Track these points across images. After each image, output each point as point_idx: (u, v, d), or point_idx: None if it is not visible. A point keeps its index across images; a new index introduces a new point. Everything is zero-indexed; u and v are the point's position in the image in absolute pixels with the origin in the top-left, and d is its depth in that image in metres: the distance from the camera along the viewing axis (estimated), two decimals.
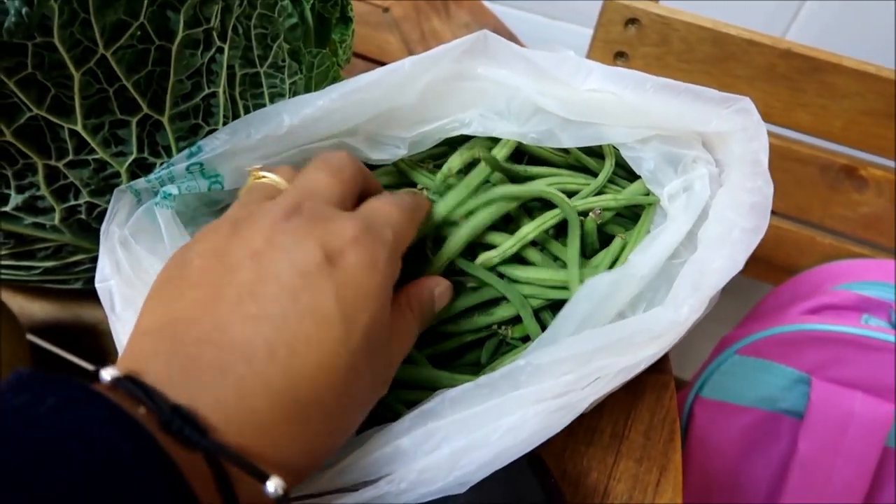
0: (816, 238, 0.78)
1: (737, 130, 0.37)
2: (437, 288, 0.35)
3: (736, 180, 0.37)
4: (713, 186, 0.38)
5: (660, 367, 0.48)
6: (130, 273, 0.33)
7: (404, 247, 0.31)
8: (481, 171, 0.38)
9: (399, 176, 0.41)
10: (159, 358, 0.23)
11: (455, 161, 0.39)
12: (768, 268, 0.82)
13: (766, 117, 0.69)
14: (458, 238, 0.37)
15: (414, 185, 0.41)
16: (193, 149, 0.34)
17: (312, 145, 0.36)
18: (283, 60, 0.38)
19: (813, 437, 0.66)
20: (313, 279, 0.25)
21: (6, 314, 0.41)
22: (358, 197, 0.32)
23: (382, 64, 0.36)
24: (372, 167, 0.40)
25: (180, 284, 0.26)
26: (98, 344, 0.47)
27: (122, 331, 0.32)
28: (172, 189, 0.34)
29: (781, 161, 0.72)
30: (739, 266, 0.34)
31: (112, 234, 0.33)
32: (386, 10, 0.75)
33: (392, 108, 0.36)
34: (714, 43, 0.64)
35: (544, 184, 0.40)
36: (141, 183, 0.34)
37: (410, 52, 0.72)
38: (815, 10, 0.80)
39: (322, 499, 0.31)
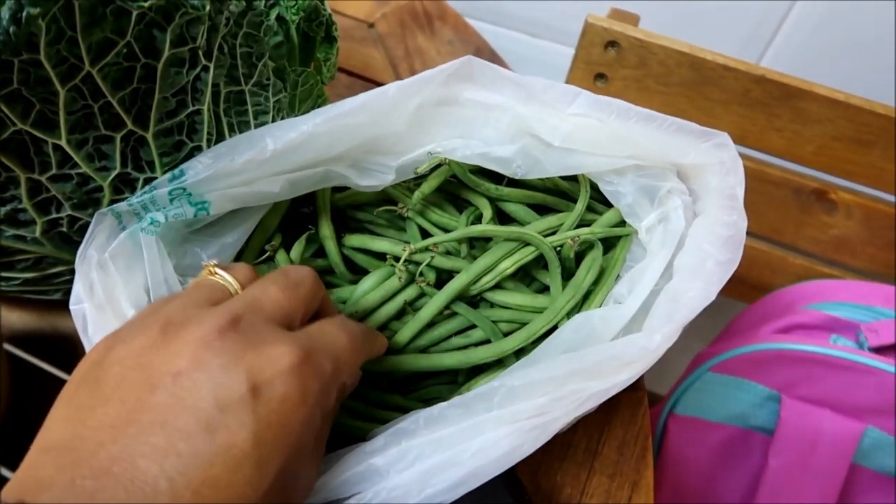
0: (788, 258, 0.79)
1: (714, 164, 0.38)
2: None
3: (712, 213, 0.38)
4: (688, 216, 0.39)
5: (634, 385, 0.49)
6: (103, 299, 0.33)
7: (347, 378, 0.30)
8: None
9: (381, 192, 0.42)
10: (54, 490, 0.22)
11: (431, 183, 0.40)
12: (742, 287, 0.83)
13: (742, 140, 0.71)
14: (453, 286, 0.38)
15: (394, 202, 0.42)
16: (176, 172, 0.34)
17: (298, 174, 0.36)
18: (268, 79, 0.39)
19: (782, 454, 0.67)
20: (233, 414, 0.24)
21: None
22: (310, 316, 0.31)
23: (366, 79, 0.36)
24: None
25: (94, 393, 0.25)
26: (76, 354, 0.46)
27: (94, 339, 0.32)
28: (160, 217, 0.34)
29: (756, 183, 0.74)
30: (712, 297, 0.35)
31: (89, 258, 0.33)
32: (371, 25, 0.76)
33: (378, 135, 0.37)
34: (691, 67, 0.66)
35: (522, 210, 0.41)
36: (122, 206, 0.34)
37: (395, 68, 0.72)
38: (790, 36, 0.83)
39: None
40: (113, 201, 0.35)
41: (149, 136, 0.34)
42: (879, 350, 0.63)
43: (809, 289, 0.74)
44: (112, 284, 0.33)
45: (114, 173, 0.34)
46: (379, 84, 0.37)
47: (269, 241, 0.40)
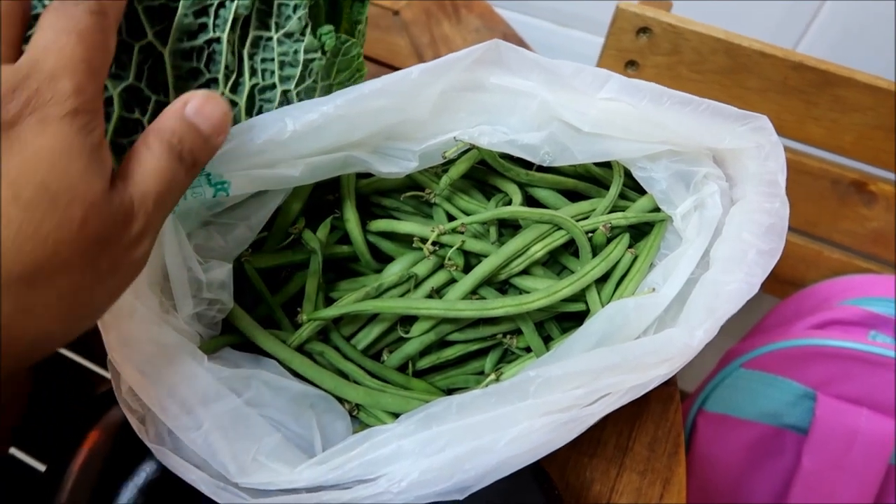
0: (824, 252, 0.77)
1: (752, 148, 0.37)
2: (189, 104, 0.27)
3: (752, 199, 0.36)
4: (724, 202, 0.37)
5: (666, 380, 0.48)
6: None
7: (97, 74, 0.25)
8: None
9: (406, 178, 0.41)
10: None
11: (459, 168, 0.39)
12: (774, 281, 0.81)
13: (779, 130, 0.68)
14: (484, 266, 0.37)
15: (421, 187, 0.41)
16: None
17: (319, 158, 0.35)
18: (303, 34, 0.37)
19: (817, 454, 0.65)
20: None
21: None
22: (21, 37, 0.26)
23: (392, 67, 0.35)
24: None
25: None
26: (96, 340, 0.46)
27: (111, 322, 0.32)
28: None
29: (792, 174, 0.71)
30: (755, 290, 0.33)
31: None
32: (396, 13, 0.75)
33: (401, 121, 0.36)
34: (726, 54, 0.64)
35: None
36: None
37: (420, 56, 0.71)
38: (828, 20, 0.80)
39: (315, 495, 0.30)
40: (121, 120, 0.34)
41: (166, 53, 0.34)
42: None
43: (846, 283, 0.72)
44: None
45: (125, 83, 0.33)
46: None
47: (293, 224, 0.39)
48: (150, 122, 0.32)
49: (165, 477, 0.34)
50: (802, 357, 0.64)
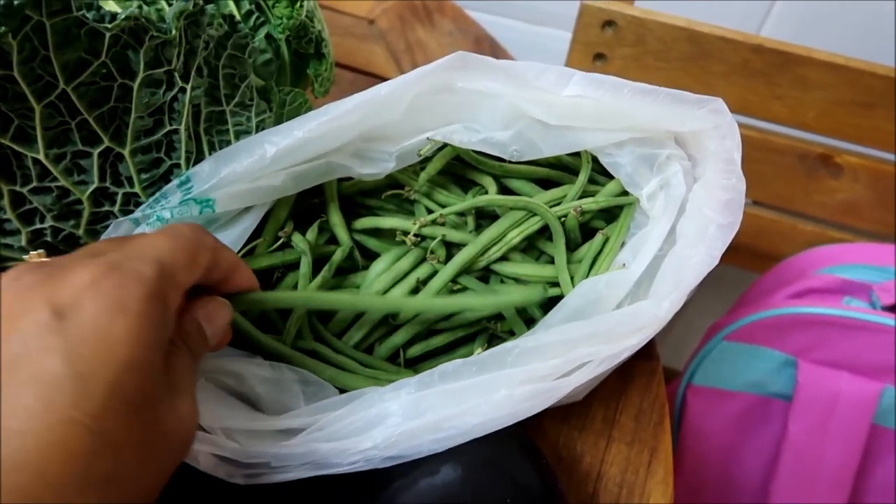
0: (798, 226, 0.80)
1: (710, 129, 0.39)
2: (202, 310, 0.30)
3: (711, 177, 0.39)
4: (688, 181, 0.40)
5: (648, 354, 0.50)
6: None
7: (182, 280, 0.27)
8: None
9: (387, 178, 0.43)
10: None
11: (435, 165, 0.41)
12: (753, 257, 0.84)
13: (744, 110, 0.72)
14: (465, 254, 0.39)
15: (401, 186, 0.43)
16: (183, 178, 0.36)
17: (301, 167, 0.37)
18: (251, 99, 0.39)
19: (802, 419, 0.68)
20: (36, 342, 0.22)
21: None
22: (202, 272, 0.29)
23: (370, 74, 0.37)
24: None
25: None
26: None
27: None
28: (165, 214, 0.36)
29: (760, 152, 0.74)
30: (716, 261, 0.36)
31: None
32: (371, 22, 0.77)
33: (376, 125, 0.38)
34: (689, 41, 0.67)
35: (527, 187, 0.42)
36: (137, 213, 0.36)
37: (397, 62, 0.74)
38: (787, 7, 0.83)
39: (303, 439, 0.33)
40: (93, 214, 0.36)
41: (126, 153, 0.35)
42: (892, 309, 0.64)
43: (820, 254, 0.74)
44: None
45: (92, 187, 0.35)
46: (382, 79, 0.38)
47: (281, 228, 0.41)
48: (120, 211, 0.36)
49: None
50: (782, 326, 0.67)
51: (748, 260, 0.85)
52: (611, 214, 0.44)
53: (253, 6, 0.41)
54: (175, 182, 0.36)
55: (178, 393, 0.26)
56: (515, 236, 0.40)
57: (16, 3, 0.29)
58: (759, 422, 0.71)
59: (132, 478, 0.23)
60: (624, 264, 0.38)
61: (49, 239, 0.37)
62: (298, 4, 0.42)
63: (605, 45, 0.69)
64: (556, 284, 0.41)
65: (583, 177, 0.42)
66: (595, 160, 0.42)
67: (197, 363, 0.29)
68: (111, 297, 0.23)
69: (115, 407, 0.22)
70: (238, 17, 0.39)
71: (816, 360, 0.67)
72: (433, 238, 0.41)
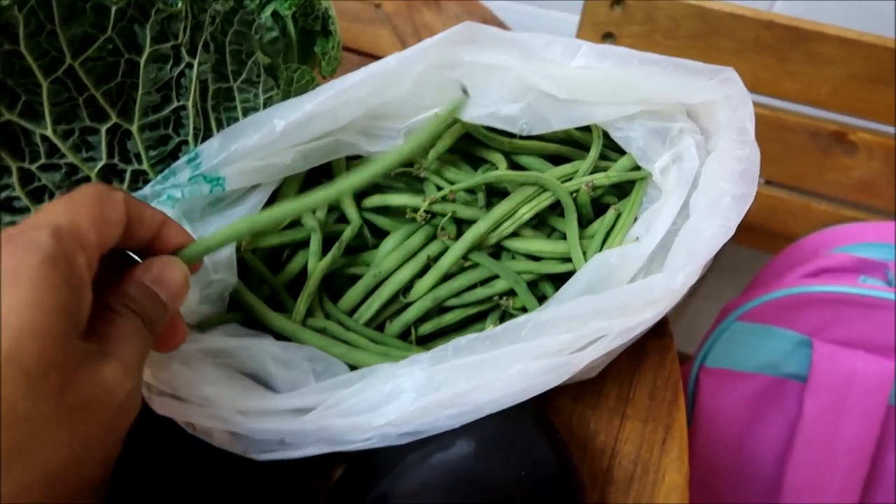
0: (811, 205, 0.79)
1: (721, 100, 0.39)
2: (148, 273, 0.29)
3: (724, 148, 0.38)
4: (701, 154, 0.39)
5: (661, 332, 0.50)
6: None
7: (91, 240, 0.26)
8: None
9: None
10: None
11: (444, 142, 0.41)
12: (766, 237, 0.83)
13: (755, 88, 0.71)
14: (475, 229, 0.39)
15: (410, 164, 0.43)
16: (192, 154, 0.36)
17: (309, 145, 0.37)
18: (258, 76, 0.39)
19: (817, 399, 0.67)
20: None
21: None
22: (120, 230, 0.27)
23: (377, 57, 0.37)
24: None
25: None
26: None
27: None
28: (176, 193, 0.36)
29: (772, 130, 0.73)
30: (731, 232, 0.35)
31: None
32: (378, 5, 0.77)
33: (384, 102, 0.38)
34: (699, 18, 0.66)
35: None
36: (146, 190, 0.36)
37: (404, 46, 0.73)
38: None
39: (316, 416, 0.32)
40: None
41: (134, 129, 0.35)
42: None
43: (835, 233, 0.73)
44: None
45: (100, 164, 0.35)
46: None
47: None
48: (129, 189, 0.36)
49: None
50: (796, 305, 0.66)
51: (761, 240, 0.84)
52: (623, 190, 0.43)
53: None
54: (183, 158, 0.35)
55: (104, 359, 0.25)
56: (527, 212, 0.40)
57: None
58: (774, 403, 0.71)
59: (47, 449, 0.22)
60: (637, 238, 0.38)
61: None
62: None
63: (613, 24, 0.69)
64: (568, 260, 0.41)
65: (594, 151, 0.41)
66: (606, 135, 0.42)
67: (156, 327, 0.28)
68: (3, 267, 0.23)
69: (11, 376, 0.21)
70: None
71: (831, 340, 0.66)
72: (443, 215, 0.40)
